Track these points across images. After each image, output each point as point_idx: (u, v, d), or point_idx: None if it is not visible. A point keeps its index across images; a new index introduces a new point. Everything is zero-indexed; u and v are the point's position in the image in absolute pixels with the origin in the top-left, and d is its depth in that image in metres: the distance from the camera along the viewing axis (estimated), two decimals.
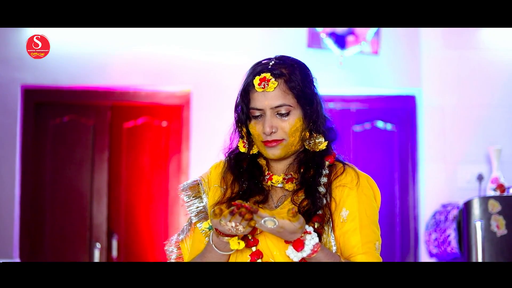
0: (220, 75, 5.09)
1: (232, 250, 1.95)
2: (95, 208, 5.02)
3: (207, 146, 4.95)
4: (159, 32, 5.02)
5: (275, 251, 1.96)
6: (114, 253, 4.97)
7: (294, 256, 1.88)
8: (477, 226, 4.07)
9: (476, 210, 4.13)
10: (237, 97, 2.12)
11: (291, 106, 2.01)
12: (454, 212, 4.33)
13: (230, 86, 5.00)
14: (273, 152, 2.02)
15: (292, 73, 2.03)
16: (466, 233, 4.17)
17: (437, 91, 5.16)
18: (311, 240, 1.87)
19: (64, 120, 5.11)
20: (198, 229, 2.07)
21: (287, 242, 1.89)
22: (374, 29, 5.13)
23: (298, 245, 1.87)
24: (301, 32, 5.14)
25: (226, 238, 1.92)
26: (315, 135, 2.05)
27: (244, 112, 2.07)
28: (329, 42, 5.12)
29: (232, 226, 1.85)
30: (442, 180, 5.02)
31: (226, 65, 5.09)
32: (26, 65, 4.98)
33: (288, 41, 5.13)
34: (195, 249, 2.05)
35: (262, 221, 1.84)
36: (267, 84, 2.01)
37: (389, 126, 5.33)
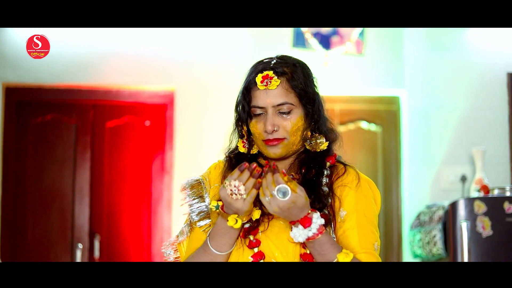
0: (204, 74, 5.07)
1: (227, 251, 1.93)
2: (77, 208, 4.97)
3: (191, 146, 4.94)
4: (143, 31, 4.99)
5: (276, 252, 1.95)
6: (96, 253, 4.91)
7: (300, 235, 1.84)
8: (463, 227, 4.07)
9: (461, 211, 4.13)
10: (238, 96, 2.09)
11: (293, 104, 1.99)
12: (440, 213, 4.32)
13: (215, 85, 5.04)
14: (274, 151, 2.00)
15: (294, 72, 2.02)
16: (451, 234, 4.17)
17: (421, 92, 5.16)
18: (317, 219, 1.85)
19: (46, 119, 5.05)
20: (197, 228, 2.04)
21: (292, 222, 1.87)
22: (358, 30, 5.13)
23: (306, 221, 1.85)
24: (286, 32, 5.13)
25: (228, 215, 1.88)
26: (316, 135, 2.04)
27: (245, 110, 2.03)
28: (314, 42, 5.11)
29: (235, 186, 1.82)
30: (425, 181, 5.03)
31: (211, 64, 5.07)
32: (8, 63, 4.92)
33: (273, 41, 5.12)
34: (192, 248, 2.01)
35: (275, 190, 1.81)
36: (270, 82, 1.99)
37: (373, 127, 5.33)
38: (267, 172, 1.83)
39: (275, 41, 5.12)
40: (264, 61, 2.08)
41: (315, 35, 5.13)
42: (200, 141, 5.01)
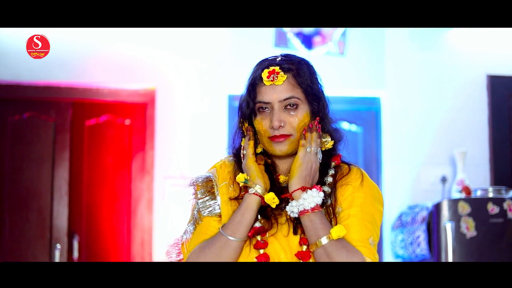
0: (185, 73, 5.02)
1: (240, 237, 1.91)
2: (55, 208, 4.87)
3: (172, 145, 4.89)
4: (123, 28, 4.92)
5: (282, 254, 1.94)
6: (75, 254, 4.82)
7: (309, 202, 1.90)
8: (447, 227, 4.10)
9: (445, 212, 4.16)
10: (243, 93, 2.07)
11: (299, 99, 1.98)
12: (423, 214, 4.35)
13: (196, 85, 5.00)
14: (280, 148, 1.98)
15: (300, 69, 2.01)
16: (436, 235, 4.19)
17: (402, 93, 5.19)
18: (319, 193, 1.91)
19: (24, 117, 4.94)
20: (204, 222, 2.01)
21: (303, 188, 1.91)
22: (341, 30, 5.13)
23: (318, 188, 1.93)
24: (268, 32, 5.11)
25: (258, 188, 1.93)
26: (321, 133, 2.02)
27: (250, 107, 2.02)
28: (296, 42, 5.10)
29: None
30: (406, 182, 5.05)
31: (192, 63, 5.03)
32: None
33: (255, 40, 5.09)
34: (198, 240, 1.98)
35: (317, 148, 1.98)
36: (276, 77, 1.97)
37: (353, 128, 5.33)
38: (313, 130, 1.97)
39: (257, 40, 5.09)
40: (269, 58, 2.07)
41: (297, 35, 5.12)
42: (181, 141, 4.96)
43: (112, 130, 5.05)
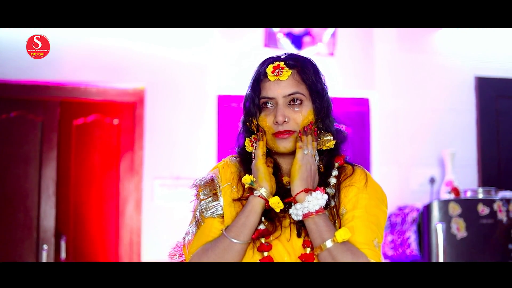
0: (175, 72, 4.99)
1: (244, 240, 1.90)
2: (42, 208, 4.81)
3: (161, 145, 4.86)
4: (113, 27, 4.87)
5: (286, 256, 1.93)
6: (63, 254, 4.76)
7: (314, 205, 1.88)
8: (438, 228, 4.11)
9: (436, 212, 4.17)
10: (247, 90, 2.06)
11: (303, 95, 1.98)
12: (413, 215, 4.35)
13: (185, 84, 4.97)
14: (284, 145, 1.98)
15: (304, 66, 2.02)
16: (426, 236, 4.20)
17: (391, 94, 5.20)
18: (323, 195, 1.90)
19: (11, 116, 4.88)
20: (206, 223, 1.99)
21: (306, 190, 1.89)
22: (330, 31, 5.13)
23: (321, 189, 1.90)
24: (258, 32, 5.09)
25: (263, 191, 1.91)
26: (323, 133, 2.01)
27: (255, 103, 2.01)
28: (285, 42, 5.09)
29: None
30: (395, 183, 5.06)
31: (182, 63, 4.99)
32: None
33: (245, 40, 5.07)
34: (201, 242, 1.97)
35: (314, 149, 1.95)
36: (281, 72, 1.98)
37: (342, 128, 5.32)
38: (309, 133, 1.96)
39: (247, 40, 5.08)
40: (274, 56, 2.07)
41: (287, 35, 5.11)
42: (170, 140, 4.93)
43: (100, 129, 5.00)
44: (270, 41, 5.08)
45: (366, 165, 5.25)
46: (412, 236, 4.30)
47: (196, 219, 2.03)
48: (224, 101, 5.09)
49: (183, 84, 5.00)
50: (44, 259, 4.70)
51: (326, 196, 1.91)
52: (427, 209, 4.22)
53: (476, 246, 4.16)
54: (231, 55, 5.02)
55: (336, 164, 2.04)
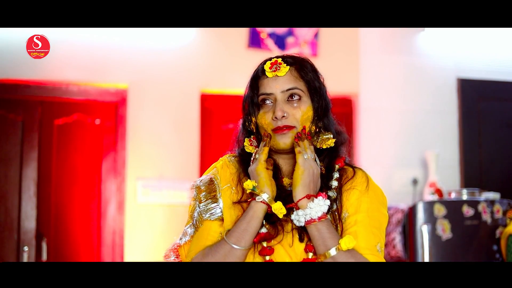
0: (158, 72, 4.95)
1: (245, 246, 1.88)
2: (23, 209, 4.73)
3: (144, 145, 4.81)
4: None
5: (287, 261, 1.91)
6: (44, 256, 4.68)
7: (316, 211, 1.85)
8: (423, 230, 4.12)
9: (421, 214, 4.18)
10: (245, 89, 2.05)
11: (302, 91, 1.98)
12: (398, 216, 4.36)
13: (168, 84, 4.93)
14: (284, 141, 1.95)
15: (302, 64, 2.03)
16: (412, 237, 4.21)
17: (374, 95, 5.21)
18: (326, 201, 1.87)
19: None
20: (205, 225, 1.97)
21: (308, 196, 1.87)
22: (314, 31, 5.12)
23: (323, 195, 1.88)
24: (242, 32, 5.06)
25: (266, 197, 1.87)
26: (323, 131, 2.01)
27: (254, 101, 2.00)
28: (269, 43, 5.07)
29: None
30: (377, 184, 5.05)
31: (165, 62, 4.95)
32: None
33: (228, 41, 5.04)
34: (199, 245, 1.94)
35: (314, 153, 1.93)
36: (279, 68, 1.98)
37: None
38: (303, 138, 1.93)
39: (230, 40, 5.04)
40: (272, 56, 2.07)
41: (271, 35, 5.09)
42: (153, 141, 4.88)
43: (82, 129, 4.93)
44: (254, 41, 5.05)
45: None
46: (397, 238, 4.31)
47: (194, 220, 2.00)
48: (207, 100, 5.05)
49: (166, 83, 4.96)
50: (25, 260, 4.62)
51: (328, 202, 1.88)
52: (412, 210, 4.22)
53: (461, 247, 4.18)
54: (215, 54, 4.99)
55: (337, 167, 2.02)
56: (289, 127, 1.95)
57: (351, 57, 5.23)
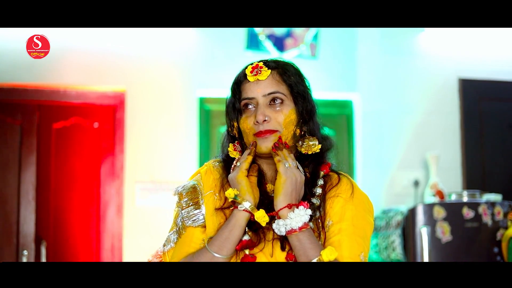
0: (156, 75, 4.93)
1: (226, 254, 1.85)
2: (22, 213, 4.72)
3: (142, 149, 4.79)
4: (92, 28, 4.80)
5: None
6: (43, 260, 4.66)
7: (297, 221, 1.81)
8: (423, 232, 4.08)
9: (421, 216, 4.14)
10: (228, 96, 2.03)
11: (284, 95, 1.95)
12: (398, 218, 4.32)
13: (166, 87, 4.91)
14: (266, 145, 1.92)
15: (285, 68, 1.99)
16: (411, 239, 4.17)
17: (374, 97, 5.16)
18: (307, 211, 1.84)
19: None
20: (188, 232, 1.94)
21: (289, 206, 1.83)
22: (313, 32, 5.09)
23: (305, 204, 1.85)
24: (240, 34, 5.04)
25: (248, 205, 1.84)
26: (308, 136, 1.96)
27: (236, 107, 1.98)
28: (268, 44, 5.04)
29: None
30: (379, 186, 5.03)
31: (162, 65, 4.93)
32: None
33: (226, 42, 5.02)
34: (182, 252, 1.92)
35: (295, 162, 1.89)
36: (260, 72, 1.95)
37: (325, 131, 5.28)
38: (281, 148, 1.90)
39: (229, 42, 5.02)
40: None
41: (269, 37, 5.06)
42: (151, 144, 4.87)
43: (80, 133, 4.92)
44: (252, 43, 5.03)
45: (350, 168, 5.22)
46: (396, 240, 4.27)
47: (177, 227, 1.98)
48: (205, 103, 5.03)
49: (164, 87, 4.94)
50: None
51: (309, 211, 1.85)
52: (412, 212, 4.18)
53: (461, 250, 4.14)
54: (213, 57, 4.97)
55: (322, 173, 1.98)
56: (271, 131, 1.92)
57: (350, 58, 5.19)
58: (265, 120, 1.91)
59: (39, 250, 4.71)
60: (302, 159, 1.98)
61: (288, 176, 1.86)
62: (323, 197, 1.94)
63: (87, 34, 4.84)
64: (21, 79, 4.79)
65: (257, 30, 5.01)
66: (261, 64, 1.97)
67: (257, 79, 1.94)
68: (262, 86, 1.94)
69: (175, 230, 1.99)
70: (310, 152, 1.97)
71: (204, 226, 1.94)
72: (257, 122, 1.92)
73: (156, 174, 4.82)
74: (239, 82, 1.98)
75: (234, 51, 4.97)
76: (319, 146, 1.98)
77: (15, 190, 4.74)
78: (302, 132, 1.98)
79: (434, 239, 4.10)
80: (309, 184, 1.95)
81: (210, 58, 4.98)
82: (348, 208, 1.92)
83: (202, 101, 5.02)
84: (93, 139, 4.93)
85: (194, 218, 1.95)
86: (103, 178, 4.90)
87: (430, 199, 4.66)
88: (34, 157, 4.80)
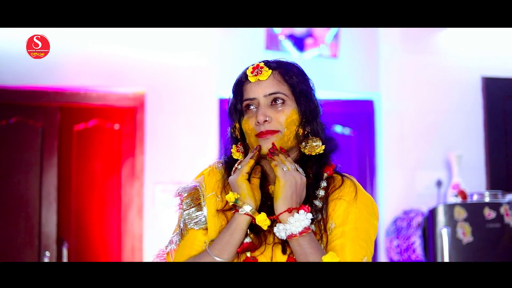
0: (175, 77, 4.93)
1: (227, 258, 1.84)
2: (44, 215, 4.76)
3: (162, 150, 4.81)
4: (112, 30, 4.83)
5: None
6: (65, 261, 4.70)
7: (296, 226, 1.79)
8: (443, 233, 4.02)
9: (441, 217, 4.09)
10: (230, 97, 2.02)
11: (286, 95, 1.93)
12: (418, 219, 4.27)
13: (186, 88, 4.91)
14: (267, 146, 1.91)
15: (287, 68, 1.97)
16: (431, 241, 4.11)
17: (396, 96, 5.11)
18: (307, 215, 1.81)
19: (11, 122, 4.83)
20: (190, 234, 1.94)
21: (289, 210, 1.81)
22: (333, 32, 5.05)
23: (306, 208, 1.82)
24: (259, 34, 5.02)
25: (249, 209, 1.82)
26: (311, 137, 1.94)
27: (237, 108, 1.96)
28: (287, 45, 5.02)
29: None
30: (400, 186, 4.97)
31: (182, 66, 4.94)
32: None
33: (246, 43, 5.01)
34: (183, 254, 1.92)
35: (294, 164, 1.87)
36: (260, 72, 1.93)
37: (347, 131, 5.26)
38: (277, 154, 1.87)
39: (248, 43, 5.01)
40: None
41: (289, 37, 5.03)
42: (171, 145, 4.87)
43: (101, 135, 4.95)
44: (272, 43, 5.01)
45: (371, 169, 5.18)
46: (417, 241, 4.22)
47: (180, 229, 1.98)
48: (225, 104, 5.02)
49: (183, 88, 4.94)
50: None
51: (310, 215, 1.83)
52: (432, 213, 4.13)
53: (482, 251, 4.07)
54: (232, 58, 4.96)
55: (325, 175, 1.95)
56: (272, 132, 1.90)
57: (371, 57, 5.14)
58: (266, 121, 1.90)
59: (60, 251, 4.75)
60: (305, 160, 1.96)
61: (287, 180, 1.83)
62: (325, 200, 1.92)
63: (107, 37, 4.86)
64: (42, 81, 4.82)
65: (277, 30, 4.99)
66: (262, 64, 1.95)
67: (258, 79, 1.93)
68: (263, 87, 1.92)
69: (178, 231, 1.98)
70: (313, 153, 1.94)
71: (207, 228, 1.93)
72: (258, 122, 1.90)
73: (177, 175, 4.83)
74: (241, 83, 1.97)
75: (253, 52, 4.96)
76: (323, 147, 1.95)
77: (37, 192, 4.78)
78: (305, 133, 1.95)
79: (454, 240, 4.04)
80: (312, 186, 1.93)
81: (229, 58, 4.97)
82: (351, 211, 1.89)
83: (222, 102, 5.01)
84: (114, 140, 4.96)
85: (196, 220, 1.95)
86: (124, 179, 4.92)
87: (453, 199, 4.59)
88: (55, 159, 4.83)
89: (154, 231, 4.76)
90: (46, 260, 4.67)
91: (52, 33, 4.68)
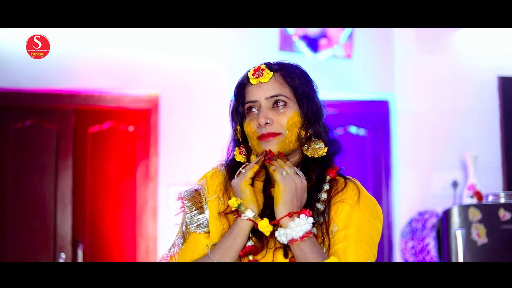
0: (189, 78, 4.94)
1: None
2: (59, 216, 4.80)
3: (176, 152, 4.81)
4: (126, 33, 4.84)
5: None
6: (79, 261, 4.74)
7: (297, 231, 1.77)
8: (458, 234, 3.98)
9: (456, 218, 4.05)
10: (231, 99, 2.01)
11: (287, 97, 1.92)
12: (433, 220, 4.23)
13: (200, 90, 4.92)
14: (269, 148, 1.89)
15: (289, 70, 1.96)
16: (446, 242, 4.08)
17: (411, 96, 5.08)
18: (308, 219, 1.80)
19: (26, 124, 4.87)
20: (192, 238, 1.95)
21: (290, 214, 1.79)
22: (347, 32, 5.03)
23: (307, 212, 1.81)
24: (273, 35, 5.01)
25: (251, 215, 1.81)
26: (314, 139, 1.92)
27: (238, 110, 1.95)
28: (301, 45, 5.00)
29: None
30: (416, 187, 4.94)
31: (196, 68, 4.94)
32: None
33: (259, 44, 5.00)
34: (186, 258, 1.92)
35: (293, 168, 1.85)
36: (262, 74, 1.92)
37: (362, 132, 5.23)
38: (274, 159, 1.86)
39: (262, 44, 5.00)
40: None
41: (303, 38, 5.02)
42: (185, 147, 4.88)
43: (115, 137, 4.97)
44: (285, 44, 5.00)
45: (387, 169, 5.15)
46: (431, 243, 4.18)
47: (182, 232, 1.98)
48: None
49: (197, 90, 4.95)
50: None
51: (311, 220, 1.81)
52: (446, 214, 4.09)
53: (497, 253, 4.02)
54: (246, 60, 4.95)
55: (328, 178, 1.93)
56: (274, 134, 1.89)
57: (386, 58, 5.11)
58: (267, 123, 1.88)
59: (75, 252, 4.78)
60: (308, 162, 1.94)
61: (286, 184, 1.82)
62: (328, 202, 1.90)
63: (121, 39, 4.88)
64: (57, 84, 4.85)
65: (290, 31, 4.98)
66: (263, 66, 1.94)
67: (260, 81, 1.92)
68: (264, 89, 1.91)
69: (180, 235, 1.98)
70: (316, 156, 1.93)
71: (209, 231, 1.92)
72: (259, 125, 1.89)
73: (191, 177, 4.81)
74: (242, 85, 1.96)
75: (267, 53, 4.95)
76: (325, 149, 1.94)
77: (52, 194, 4.81)
78: (308, 135, 1.94)
79: (469, 242, 4.00)
80: (314, 188, 1.91)
81: (243, 60, 4.96)
82: (354, 214, 1.87)
83: None
84: (128, 142, 4.98)
85: (198, 223, 1.95)
86: (138, 181, 4.94)
87: (468, 200, 4.55)
88: (70, 161, 4.86)
89: (169, 232, 4.77)
90: (61, 261, 4.69)
91: (66, 36, 4.75)
